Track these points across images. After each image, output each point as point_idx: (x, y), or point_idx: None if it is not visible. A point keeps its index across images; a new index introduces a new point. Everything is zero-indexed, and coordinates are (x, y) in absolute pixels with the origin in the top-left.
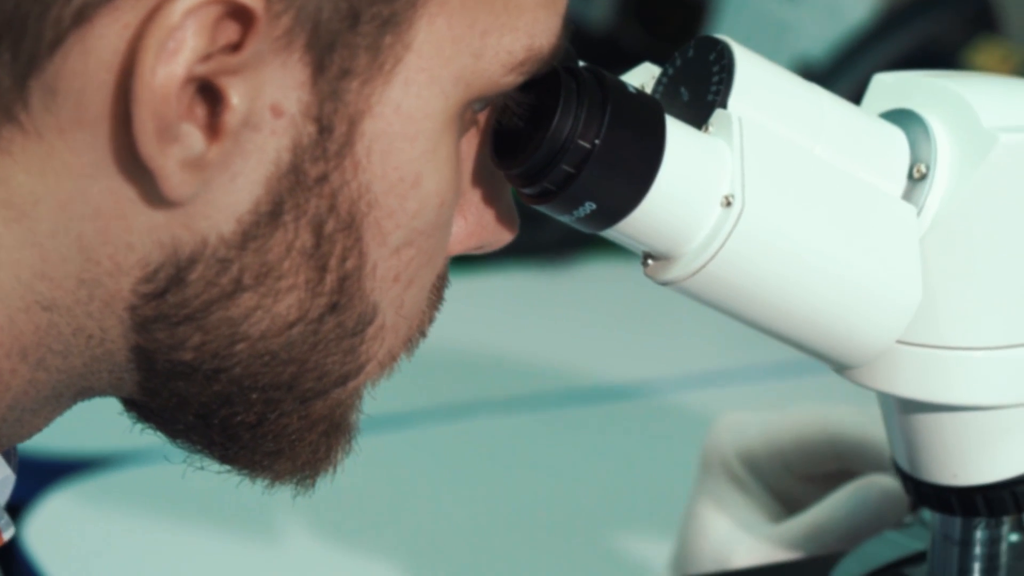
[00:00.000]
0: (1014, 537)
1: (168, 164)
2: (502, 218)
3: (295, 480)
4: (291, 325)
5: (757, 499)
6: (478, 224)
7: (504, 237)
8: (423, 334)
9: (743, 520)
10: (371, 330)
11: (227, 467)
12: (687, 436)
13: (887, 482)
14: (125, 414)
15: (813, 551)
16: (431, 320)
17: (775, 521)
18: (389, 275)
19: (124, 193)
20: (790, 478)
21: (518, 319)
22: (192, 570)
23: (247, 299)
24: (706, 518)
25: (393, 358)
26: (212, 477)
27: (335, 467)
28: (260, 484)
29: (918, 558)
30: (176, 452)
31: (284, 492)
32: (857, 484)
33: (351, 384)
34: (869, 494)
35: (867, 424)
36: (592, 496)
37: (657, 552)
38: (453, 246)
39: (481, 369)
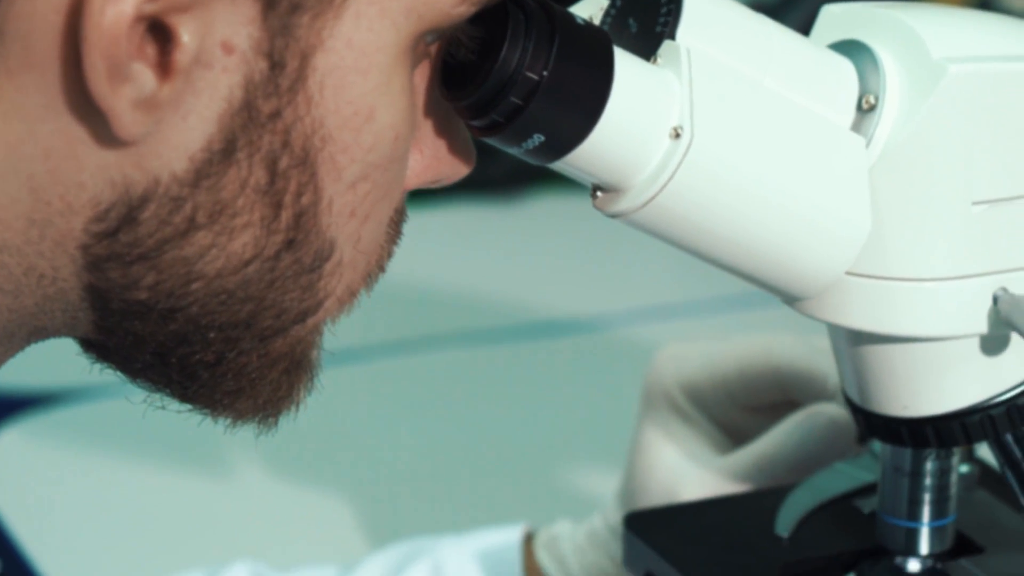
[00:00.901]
0: (965, 468)
1: (119, 104)
2: (458, 151)
3: (257, 419)
4: (247, 263)
5: (702, 430)
6: (434, 157)
7: (461, 170)
8: (382, 269)
9: (689, 452)
10: (329, 266)
11: (187, 406)
12: (637, 370)
13: (834, 411)
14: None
15: (763, 482)
16: (390, 255)
17: (721, 452)
18: (345, 210)
19: (75, 133)
20: (734, 408)
21: (469, 253)
22: (149, 506)
23: (201, 237)
24: (652, 450)
25: (352, 294)
26: (171, 412)
27: (297, 405)
28: (222, 423)
29: (869, 489)
30: (136, 390)
31: (245, 429)
32: (805, 413)
33: (310, 321)
34: (817, 423)
35: (810, 353)
36: (543, 429)
37: (606, 485)
38: (410, 180)
39: (432, 303)
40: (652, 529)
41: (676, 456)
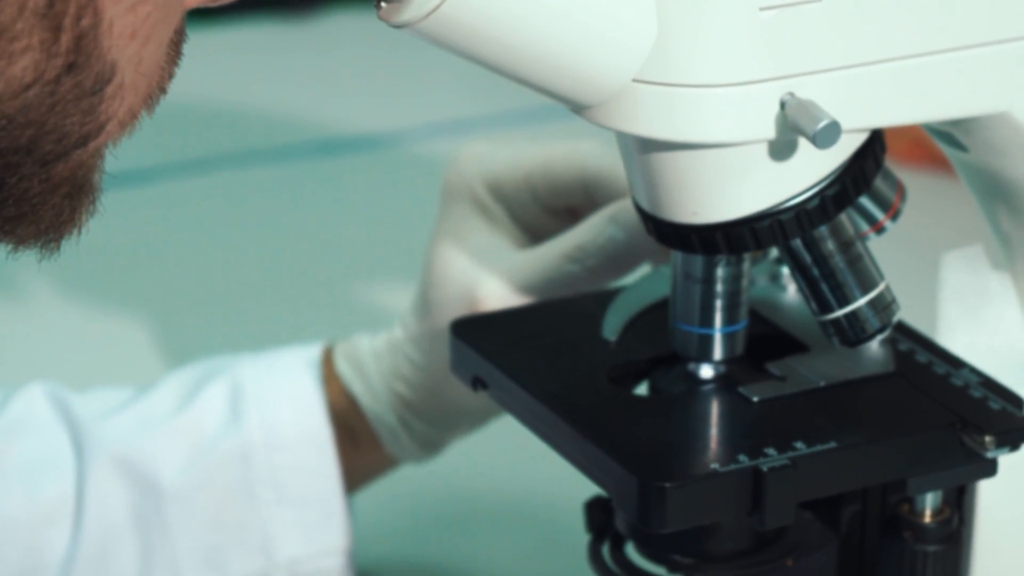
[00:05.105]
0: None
1: None
2: None
3: (39, 244)
4: (27, 87)
5: (504, 226)
6: None
7: None
8: (163, 91)
9: (491, 244)
10: (110, 89)
11: None
12: (432, 184)
13: None
14: None
15: (569, 274)
16: (171, 76)
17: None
18: (126, 32)
19: None
20: (536, 208)
21: (262, 72)
22: None
23: None
24: (450, 245)
25: (134, 116)
26: None
27: (79, 229)
28: (2, 249)
29: None
30: None
31: (29, 255)
32: (617, 205)
33: (92, 144)
34: (630, 215)
35: (615, 157)
36: (338, 246)
37: (403, 299)
38: (188, 0)
39: (219, 123)
40: (479, 334)
41: (476, 248)
